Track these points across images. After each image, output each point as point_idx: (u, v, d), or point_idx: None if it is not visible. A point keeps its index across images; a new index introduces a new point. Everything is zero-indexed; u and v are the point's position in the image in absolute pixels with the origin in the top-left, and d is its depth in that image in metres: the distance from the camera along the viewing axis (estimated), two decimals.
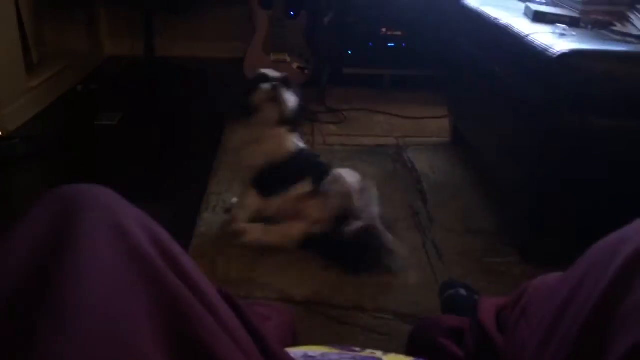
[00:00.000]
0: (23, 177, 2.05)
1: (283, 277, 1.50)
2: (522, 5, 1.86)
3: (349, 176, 1.60)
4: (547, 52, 1.39)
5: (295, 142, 1.65)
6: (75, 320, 0.40)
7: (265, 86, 1.57)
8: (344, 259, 1.52)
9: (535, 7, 1.79)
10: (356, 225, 1.52)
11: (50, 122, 2.54)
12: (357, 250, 1.52)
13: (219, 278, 1.48)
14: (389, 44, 2.99)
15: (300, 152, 1.66)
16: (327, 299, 1.42)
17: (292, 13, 2.99)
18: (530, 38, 1.53)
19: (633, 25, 1.62)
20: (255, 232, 1.62)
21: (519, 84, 1.60)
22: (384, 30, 2.96)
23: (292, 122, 1.62)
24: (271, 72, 1.61)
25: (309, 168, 1.65)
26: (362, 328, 1.33)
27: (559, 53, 1.36)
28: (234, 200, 1.78)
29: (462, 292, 1.31)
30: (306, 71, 2.99)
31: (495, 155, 1.85)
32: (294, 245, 1.59)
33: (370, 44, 2.98)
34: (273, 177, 1.62)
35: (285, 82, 1.59)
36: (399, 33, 2.97)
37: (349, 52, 3.00)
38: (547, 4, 1.91)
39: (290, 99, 1.58)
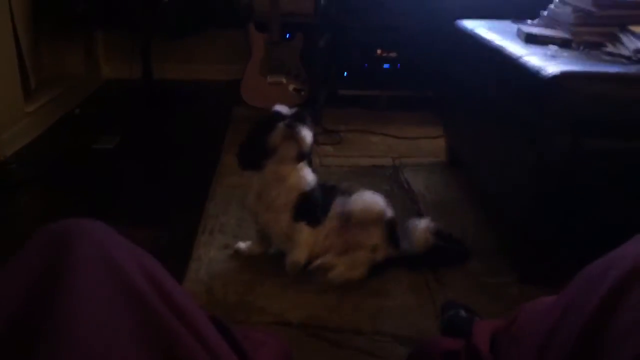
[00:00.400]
0: (20, 201, 2.05)
1: (280, 300, 1.50)
2: (515, 27, 1.89)
3: (371, 196, 1.66)
4: (539, 74, 1.41)
5: (313, 174, 1.65)
6: (70, 347, 0.41)
7: (282, 125, 1.52)
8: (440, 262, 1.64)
9: (527, 29, 1.81)
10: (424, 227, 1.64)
11: (48, 146, 2.55)
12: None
13: (215, 302, 1.48)
14: (385, 65, 3.02)
15: (321, 183, 1.67)
16: (324, 322, 1.41)
17: (288, 35, 3.02)
18: (523, 60, 1.55)
19: (624, 45, 1.64)
20: (342, 267, 1.59)
21: (512, 105, 1.61)
22: (379, 51, 2.99)
23: (308, 156, 1.62)
24: (284, 109, 1.57)
25: (332, 193, 1.67)
26: (360, 351, 1.32)
27: (550, 75, 1.37)
28: (241, 245, 1.73)
29: (463, 313, 1.31)
30: (302, 93, 3.01)
31: (491, 175, 1.86)
32: (364, 275, 1.58)
33: (366, 65, 3.01)
34: (312, 205, 1.61)
35: (300, 118, 1.56)
36: (394, 54, 3.00)
37: (345, 74, 3.03)
38: (539, 25, 1.94)
39: (307, 135, 1.54)
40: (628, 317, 0.45)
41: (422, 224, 1.67)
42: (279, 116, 1.55)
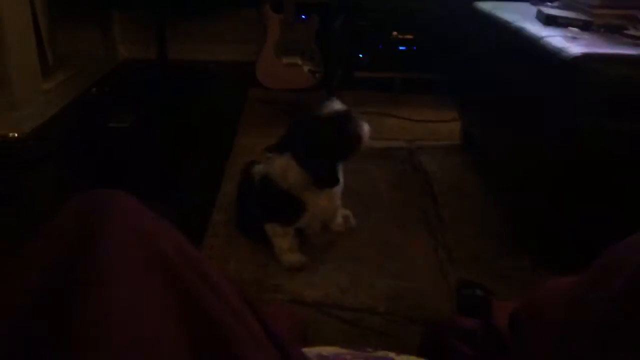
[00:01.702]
0: (38, 178, 2.08)
1: (294, 279, 1.51)
2: (534, 9, 1.86)
3: None
4: (559, 56, 1.40)
5: None
6: (102, 326, 0.41)
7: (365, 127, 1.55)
8: None
9: (547, 10, 1.79)
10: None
11: (65, 124, 2.57)
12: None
13: (231, 280, 1.49)
14: (400, 47, 2.99)
15: None
16: (338, 301, 1.43)
17: (303, 17, 3.00)
18: (543, 42, 1.53)
19: None
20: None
21: (530, 87, 1.60)
22: (395, 33, 2.97)
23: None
24: (337, 105, 1.55)
25: None
26: (374, 330, 1.33)
27: (571, 56, 1.36)
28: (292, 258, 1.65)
29: (479, 292, 1.31)
30: (317, 75, 3.00)
31: (506, 158, 1.85)
32: None
33: (381, 47, 2.99)
34: None
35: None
36: (410, 36, 2.97)
37: (360, 56, 3.01)
38: (559, 7, 1.91)
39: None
40: None
41: None
42: (348, 116, 1.53)
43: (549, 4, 1.97)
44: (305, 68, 3.01)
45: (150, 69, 3.22)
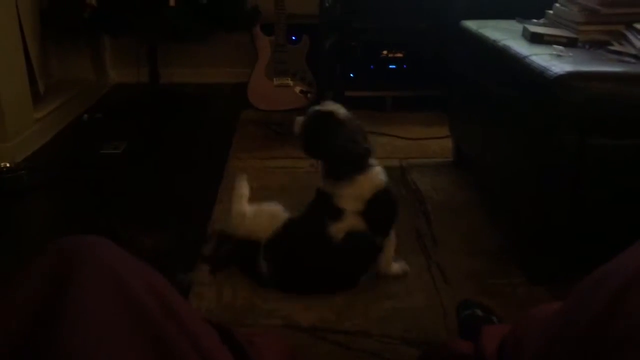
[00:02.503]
0: (30, 207, 2.07)
1: (288, 303, 1.50)
2: (520, 27, 1.88)
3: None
4: (544, 74, 1.41)
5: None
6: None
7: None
8: None
9: (532, 28, 1.81)
10: None
11: (57, 152, 2.57)
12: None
13: (224, 305, 1.49)
14: (390, 66, 3.02)
15: None
16: (332, 325, 1.42)
17: (293, 38, 3.03)
18: (528, 60, 1.54)
19: (630, 44, 1.64)
20: None
21: (518, 104, 1.61)
22: (384, 52, 2.99)
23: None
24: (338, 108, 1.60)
25: None
26: (369, 353, 1.33)
27: (556, 75, 1.37)
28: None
29: (479, 312, 1.31)
30: (309, 95, 3.02)
31: (497, 175, 1.85)
32: None
33: (372, 66, 3.01)
34: None
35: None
36: (399, 55, 3.00)
37: (351, 75, 3.03)
38: (545, 24, 1.93)
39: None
40: (623, 325, 0.45)
41: None
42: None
43: (534, 21, 1.99)
44: (297, 89, 3.04)
45: (142, 93, 3.23)
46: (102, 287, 0.48)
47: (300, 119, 1.60)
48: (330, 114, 1.57)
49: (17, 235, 1.86)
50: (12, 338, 0.44)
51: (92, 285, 0.48)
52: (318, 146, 1.59)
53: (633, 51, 1.59)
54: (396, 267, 1.62)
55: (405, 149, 2.57)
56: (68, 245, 0.52)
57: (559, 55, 1.55)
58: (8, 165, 2.19)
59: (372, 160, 1.58)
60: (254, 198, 1.84)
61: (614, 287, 0.50)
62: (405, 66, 3.01)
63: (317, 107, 1.61)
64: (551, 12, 1.96)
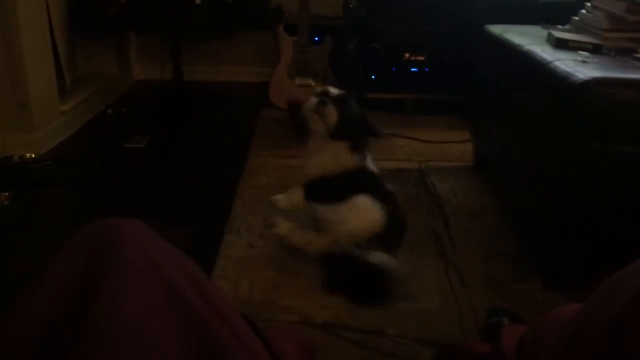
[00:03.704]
0: (54, 198, 2.11)
1: (305, 300, 1.52)
2: (545, 32, 1.88)
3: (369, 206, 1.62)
4: (569, 80, 1.40)
5: (355, 159, 1.66)
6: (111, 348, 0.43)
7: (313, 100, 1.64)
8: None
9: (557, 33, 1.80)
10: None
11: (81, 144, 2.61)
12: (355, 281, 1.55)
13: (241, 300, 1.50)
14: (412, 69, 3.02)
15: (357, 170, 1.66)
16: (348, 323, 1.43)
17: (316, 39, 3.05)
18: (553, 65, 1.54)
19: None
20: (284, 229, 1.70)
21: (541, 110, 1.60)
22: (407, 55, 3.00)
23: (344, 136, 1.63)
24: (333, 89, 1.66)
25: (361, 187, 1.65)
26: (383, 352, 1.33)
27: (580, 80, 1.37)
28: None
29: (506, 321, 1.31)
30: None
31: (518, 180, 1.85)
32: (313, 255, 1.64)
33: (394, 69, 3.02)
34: (321, 188, 1.68)
35: (340, 99, 1.63)
36: (421, 58, 3.00)
37: (373, 77, 3.04)
38: (569, 30, 1.93)
39: (333, 114, 1.60)
40: None
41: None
42: (324, 93, 1.65)
43: (559, 27, 1.98)
44: (318, 89, 3.04)
45: (165, 90, 3.26)
46: (140, 271, 0.49)
47: (313, 102, 1.64)
48: (349, 95, 1.67)
49: (41, 226, 1.89)
50: (48, 316, 0.46)
51: (131, 268, 0.49)
52: (352, 124, 1.63)
53: None
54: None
55: (424, 152, 2.57)
56: (101, 228, 0.54)
57: (583, 62, 1.54)
58: (33, 156, 2.23)
59: None
60: (272, 195, 1.87)
61: (633, 290, 0.50)
62: (426, 69, 3.01)
63: (331, 90, 1.66)
64: (576, 18, 1.95)
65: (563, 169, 1.46)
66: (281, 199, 1.82)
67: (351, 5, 2.97)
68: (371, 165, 1.70)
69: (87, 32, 2.97)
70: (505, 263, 1.70)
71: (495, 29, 2.10)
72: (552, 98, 1.53)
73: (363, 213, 1.60)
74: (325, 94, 1.64)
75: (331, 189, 1.65)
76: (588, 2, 1.91)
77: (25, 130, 2.36)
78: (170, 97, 3.24)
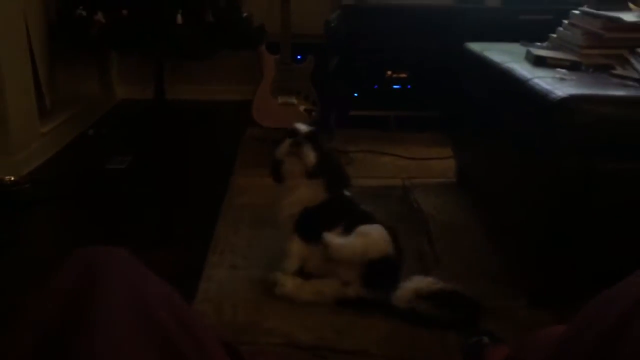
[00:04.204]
0: (34, 221, 2.08)
1: (289, 321, 1.50)
2: (524, 50, 1.90)
3: (373, 232, 1.58)
4: (547, 97, 1.42)
5: (325, 192, 1.63)
6: None
7: (288, 141, 1.60)
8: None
9: (536, 51, 1.82)
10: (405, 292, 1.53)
11: (62, 166, 2.59)
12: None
13: (224, 322, 1.49)
14: (394, 86, 3.04)
15: (335, 199, 1.65)
16: (333, 344, 1.41)
17: (299, 57, 3.06)
18: (532, 82, 1.56)
19: (633, 68, 1.65)
20: (288, 286, 1.60)
21: (521, 126, 1.62)
22: (389, 72, 3.02)
23: (321, 174, 1.61)
24: (301, 126, 1.63)
25: (342, 214, 1.63)
26: None
27: (559, 98, 1.38)
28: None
29: (485, 339, 1.31)
30: (313, 114, 3.03)
31: (500, 196, 1.86)
32: (329, 302, 1.57)
33: (376, 86, 3.03)
34: (312, 222, 1.62)
35: (312, 137, 1.60)
36: (403, 75, 3.02)
37: (355, 95, 3.05)
38: (548, 47, 1.95)
39: (310, 154, 1.58)
40: (630, 349, 0.45)
41: (412, 284, 1.54)
42: (293, 132, 1.62)
43: (538, 44, 2.00)
44: (301, 107, 3.05)
45: (148, 109, 3.25)
46: (122, 303, 0.49)
47: (286, 145, 1.61)
48: (318, 131, 1.65)
49: (21, 249, 1.86)
50: (28, 351, 0.45)
51: (113, 301, 0.49)
52: (328, 162, 1.62)
53: (636, 75, 1.60)
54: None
55: (408, 169, 2.57)
56: (91, 257, 0.54)
57: (562, 79, 1.56)
58: (13, 178, 2.20)
59: None
60: (256, 215, 1.86)
61: (621, 309, 0.50)
62: (409, 87, 3.03)
63: (301, 127, 1.63)
64: (555, 35, 1.98)
65: (544, 185, 1.46)
66: (285, 282, 1.62)
67: (333, 24, 2.98)
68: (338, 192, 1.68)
69: (67, 52, 2.95)
70: (489, 281, 1.69)
71: (476, 46, 2.12)
72: (531, 115, 1.54)
73: (379, 241, 1.56)
74: (295, 132, 1.61)
75: (321, 217, 1.62)
76: (565, 19, 1.94)
77: (4, 152, 2.33)
78: (153, 116, 3.23)
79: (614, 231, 1.44)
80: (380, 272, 1.55)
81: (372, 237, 1.56)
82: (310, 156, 1.58)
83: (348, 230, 1.58)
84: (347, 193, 1.70)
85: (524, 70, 1.68)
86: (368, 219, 1.63)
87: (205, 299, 1.59)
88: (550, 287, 1.55)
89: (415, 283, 1.55)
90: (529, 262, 1.64)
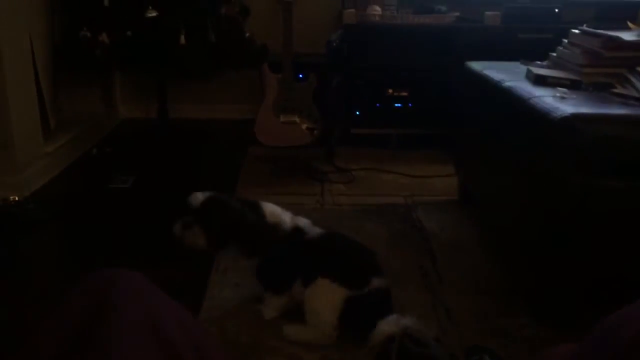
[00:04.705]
0: (38, 241, 2.08)
1: (293, 341, 1.50)
2: (524, 68, 1.92)
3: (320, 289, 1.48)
4: (548, 116, 1.43)
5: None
6: None
7: (178, 224, 1.56)
8: None
9: (536, 70, 1.84)
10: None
11: (66, 185, 2.60)
12: None
13: (228, 342, 1.48)
14: (396, 104, 3.06)
15: (284, 247, 1.56)
16: None
17: (300, 76, 3.08)
18: (532, 101, 1.57)
19: (633, 87, 1.66)
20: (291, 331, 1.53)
21: (522, 145, 1.63)
22: (390, 91, 3.04)
23: (231, 243, 1.55)
24: (197, 198, 1.55)
25: (297, 266, 1.55)
26: None
27: (559, 117, 1.39)
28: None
29: (486, 358, 1.30)
30: (315, 132, 3.05)
31: (503, 214, 1.86)
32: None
33: (378, 104, 3.06)
34: (271, 273, 1.58)
35: (205, 211, 1.53)
36: (405, 93, 3.04)
37: (357, 113, 3.07)
38: (548, 66, 1.97)
39: (199, 238, 1.53)
40: None
41: (385, 326, 1.39)
42: (189, 205, 1.54)
43: (538, 63, 2.02)
44: (303, 126, 3.06)
45: (151, 128, 3.27)
46: (137, 325, 0.50)
47: (178, 226, 1.55)
48: (219, 197, 1.58)
49: (25, 269, 1.87)
50: None
51: (128, 323, 0.50)
52: (240, 227, 1.54)
53: (636, 94, 1.61)
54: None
55: (410, 187, 2.58)
56: (107, 277, 0.54)
57: (562, 98, 1.57)
58: (17, 198, 2.21)
59: None
60: None
61: (633, 332, 0.50)
62: (410, 105, 3.05)
63: (194, 199, 1.56)
64: (554, 54, 2.00)
65: (547, 203, 1.47)
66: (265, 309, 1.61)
67: (334, 43, 3.01)
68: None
69: (72, 72, 2.98)
70: (493, 298, 1.69)
71: (476, 65, 2.14)
72: (532, 134, 1.55)
73: (329, 299, 1.46)
74: (189, 205, 1.53)
75: (278, 268, 1.56)
76: (565, 38, 1.96)
77: (9, 172, 2.34)
78: (156, 135, 3.24)
79: (616, 249, 1.44)
80: (356, 310, 1.44)
81: (323, 297, 1.46)
82: (200, 239, 1.51)
83: (307, 282, 1.49)
84: (307, 229, 1.58)
85: (524, 89, 1.70)
86: (324, 262, 1.51)
87: (209, 318, 1.59)
88: (554, 304, 1.55)
89: (390, 326, 1.39)
90: (533, 279, 1.63)
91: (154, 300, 0.55)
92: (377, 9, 3.05)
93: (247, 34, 3.05)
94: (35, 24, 2.61)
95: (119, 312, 0.51)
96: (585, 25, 1.88)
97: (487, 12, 2.99)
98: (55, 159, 2.68)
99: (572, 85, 1.72)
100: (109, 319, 0.50)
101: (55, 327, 0.50)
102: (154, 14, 2.71)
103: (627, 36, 1.74)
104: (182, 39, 2.75)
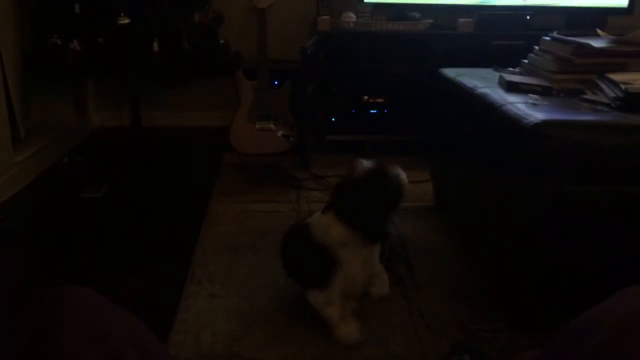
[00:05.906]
0: (8, 252, 2.04)
1: (269, 350, 1.48)
2: (497, 75, 1.93)
3: None
4: (520, 123, 1.44)
5: None
6: None
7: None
8: None
9: (508, 77, 1.86)
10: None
11: (36, 196, 2.55)
12: None
13: (203, 353, 1.46)
14: (371, 111, 3.07)
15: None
16: None
17: (276, 83, 3.08)
18: (505, 108, 1.58)
19: (603, 93, 1.69)
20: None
21: (495, 150, 1.64)
22: (365, 97, 3.05)
23: None
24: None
25: None
26: None
27: (531, 123, 1.40)
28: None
29: (467, 358, 1.31)
30: (291, 139, 3.05)
31: (477, 220, 1.87)
32: None
33: (353, 111, 3.06)
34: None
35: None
36: (380, 100, 3.05)
37: (333, 120, 3.07)
38: (520, 73, 1.99)
39: None
40: None
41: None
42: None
43: (510, 69, 2.04)
44: (279, 132, 3.06)
45: (124, 136, 3.23)
46: (83, 343, 0.49)
47: None
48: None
49: None
50: None
51: (74, 341, 0.49)
52: None
53: (605, 100, 1.64)
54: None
55: None
56: (54, 298, 0.53)
57: (534, 104, 1.59)
58: None
59: None
60: (234, 242, 1.84)
61: (604, 334, 0.50)
62: (385, 111, 3.06)
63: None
64: (526, 61, 2.02)
65: (519, 209, 1.48)
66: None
67: (309, 50, 3.01)
68: None
69: (42, 80, 2.93)
70: (469, 304, 1.70)
71: (450, 72, 2.15)
72: (505, 139, 1.56)
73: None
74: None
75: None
76: (536, 45, 1.98)
77: None
78: (129, 144, 3.20)
79: (586, 252, 1.45)
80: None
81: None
82: None
83: None
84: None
85: (497, 95, 1.71)
86: None
87: (183, 329, 1.56)
88: (527, 309, 1.56)
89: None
90: (508, 285, 1.64)
91: (102, 313, 0.54)
92: (352, 16, 3.06)
93: (222, 41, 3.03)
94: (4, 31, 2.56)
95: (65, 329, 0.50)
96: (555, 32, 1.90)
97: (461, 19, 3.02)
98: (25, 169, 2.63)
99: (544, 92, 1.74)
100: (55, 337, 0.49)
101: (4, 351, 0.49)
102: (126, 20, 2.68)
103: (596, 43, 1.76)
104: (155, 46, 2.72)
